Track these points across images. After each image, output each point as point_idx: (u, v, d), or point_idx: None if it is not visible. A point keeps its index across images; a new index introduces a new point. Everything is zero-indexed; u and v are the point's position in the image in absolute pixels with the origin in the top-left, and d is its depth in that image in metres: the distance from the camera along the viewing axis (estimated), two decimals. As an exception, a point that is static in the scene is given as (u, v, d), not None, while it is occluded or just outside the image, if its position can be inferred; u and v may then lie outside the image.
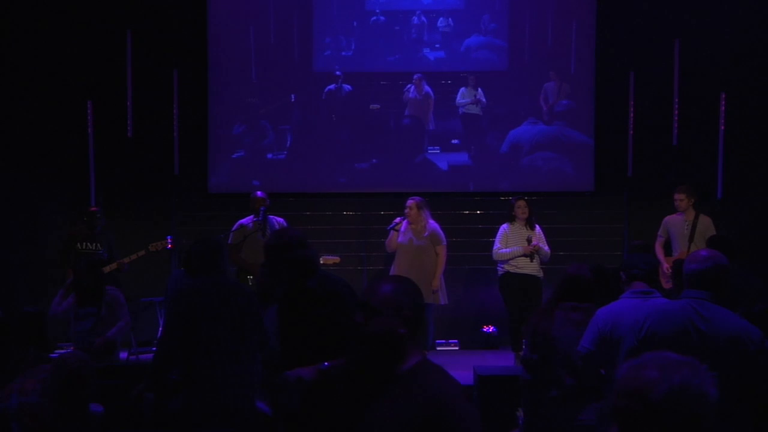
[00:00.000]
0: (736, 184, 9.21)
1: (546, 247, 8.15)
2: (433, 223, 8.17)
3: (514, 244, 8.06)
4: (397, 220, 8.18)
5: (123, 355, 7.42)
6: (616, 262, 7.88)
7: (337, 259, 8.20)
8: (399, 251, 8.15)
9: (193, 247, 4.94)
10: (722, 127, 9.19)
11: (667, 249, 8.21)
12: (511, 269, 8.08)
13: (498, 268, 8.22)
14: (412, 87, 9.57)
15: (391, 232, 8.17)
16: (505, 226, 8.20)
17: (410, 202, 8.15)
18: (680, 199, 8.07)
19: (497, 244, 8.15)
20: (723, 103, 9.17)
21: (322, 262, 7.74)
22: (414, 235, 8.09)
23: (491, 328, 9.22)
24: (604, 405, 4.11)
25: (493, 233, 8.29)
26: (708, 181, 9.11)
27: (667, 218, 8.22)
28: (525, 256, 8.04)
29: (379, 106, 9.57)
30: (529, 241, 8.01)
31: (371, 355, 2.42)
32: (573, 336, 4.37)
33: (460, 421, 2.25)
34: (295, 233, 4.17)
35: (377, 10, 9.67)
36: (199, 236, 6.74)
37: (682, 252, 7.78)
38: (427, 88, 9.57)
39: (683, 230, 8.05)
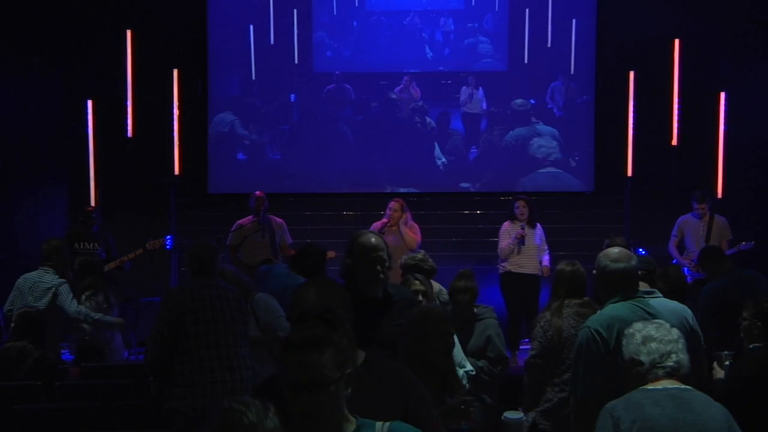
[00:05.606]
0: (736, 184, 9.21)
1: (545, 246, 8.15)
2: (414, 225, 8.04)
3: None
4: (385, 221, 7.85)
5: (124, 354, 7.41)
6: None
7: (332, 254, 7.86)
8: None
9: (188, 250, 4.91)
10: (722, 127, 9.20)
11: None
12: (511, 268, 8.09)
13: (499, 267, 8.22)
14: (401, 88, 9.53)
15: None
16: (505, 224, 8.20)
17: (395, 203, 7.91)
18: (702, 207, 8.26)
19: (499, 243, 8.18)
20: (723, 103, 9.18)
21: None
22: (396, 235, 7.79)
23: (491, 328, 9.18)
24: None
25: (493, 233, 8.28)
26: (708, 181, 9.10)
27: (683, 218, 8.40)
28: (516, 239, 8.00)
29: (398, 95, 9.52)
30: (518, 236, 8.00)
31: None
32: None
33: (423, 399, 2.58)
34: None
35: (377, 10, 9.67)
36: (199, 237, 6.73)
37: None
38: (416, 89, 9.54)
39: (700, 230, 8.24)
